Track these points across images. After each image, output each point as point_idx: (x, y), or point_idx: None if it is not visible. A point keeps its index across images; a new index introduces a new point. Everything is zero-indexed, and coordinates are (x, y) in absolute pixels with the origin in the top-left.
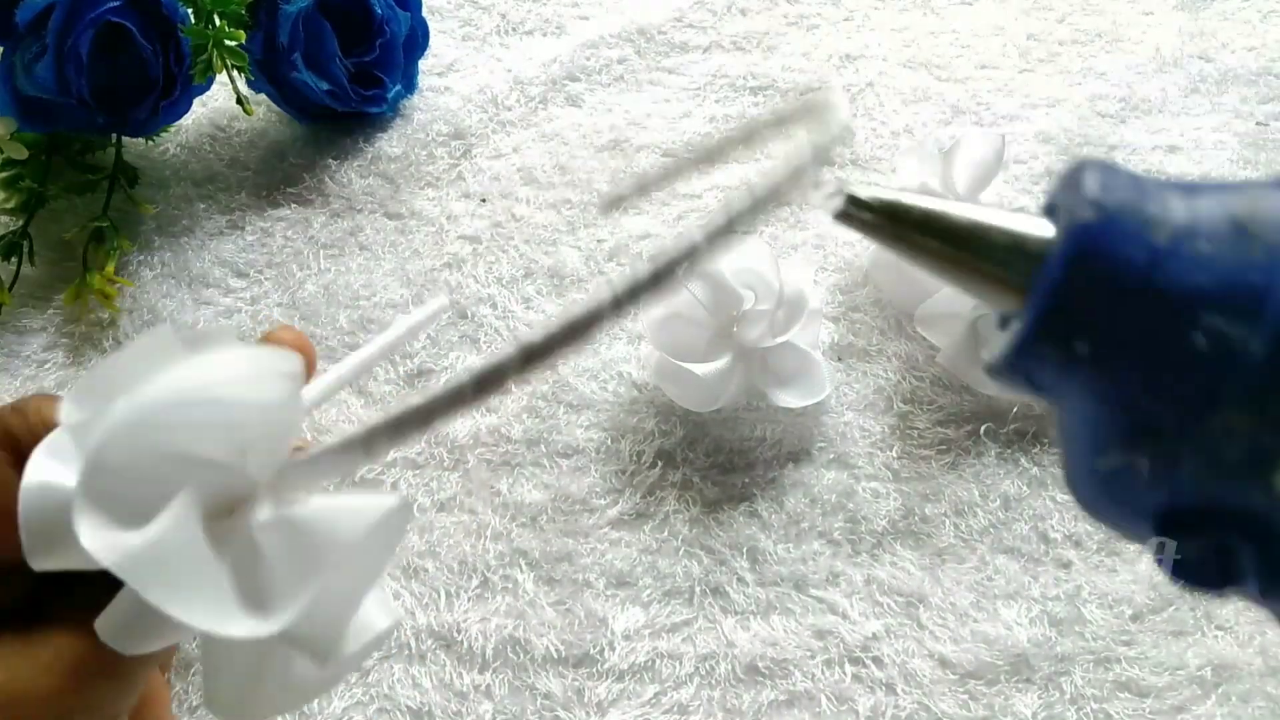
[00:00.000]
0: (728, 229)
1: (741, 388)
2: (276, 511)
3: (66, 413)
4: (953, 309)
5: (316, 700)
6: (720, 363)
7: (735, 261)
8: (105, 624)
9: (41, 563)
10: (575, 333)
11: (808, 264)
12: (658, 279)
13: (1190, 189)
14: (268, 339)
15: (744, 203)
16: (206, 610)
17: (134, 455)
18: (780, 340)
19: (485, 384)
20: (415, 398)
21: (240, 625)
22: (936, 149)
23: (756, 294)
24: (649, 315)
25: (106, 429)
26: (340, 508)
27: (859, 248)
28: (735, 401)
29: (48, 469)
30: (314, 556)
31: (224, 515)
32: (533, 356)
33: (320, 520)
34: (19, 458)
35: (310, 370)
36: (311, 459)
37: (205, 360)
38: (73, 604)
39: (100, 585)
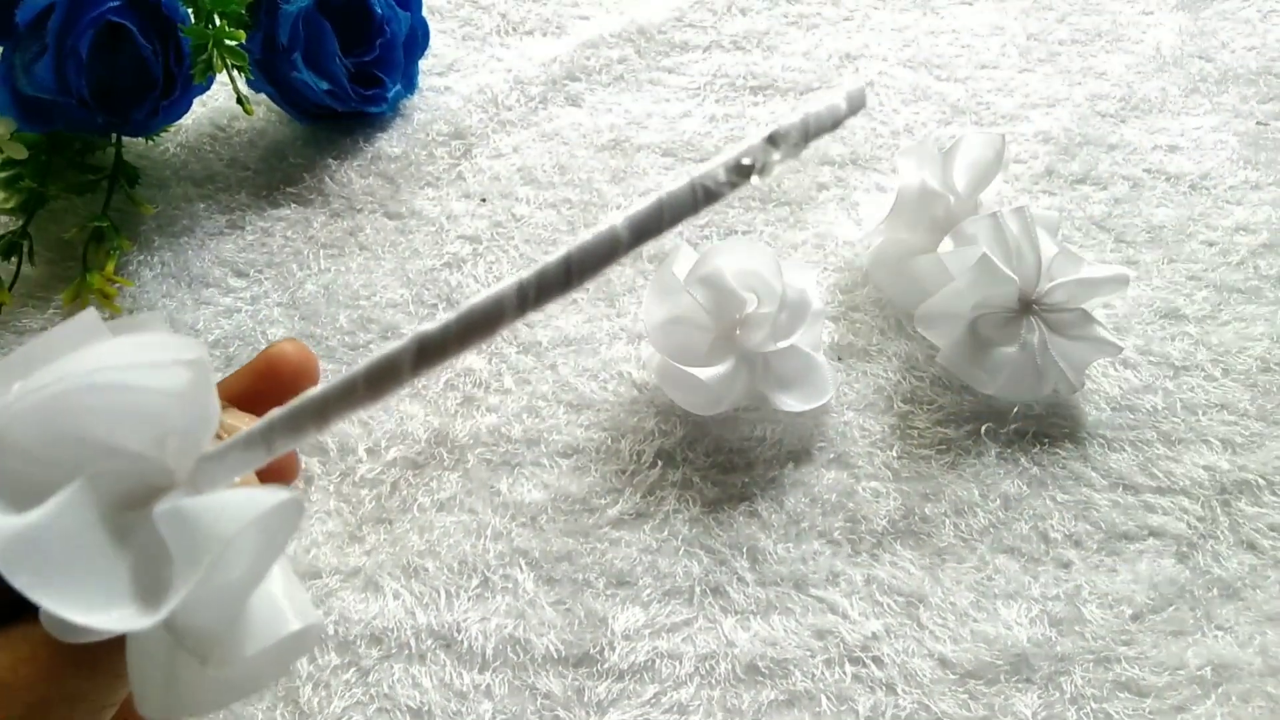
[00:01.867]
0: (648, 222)
1: (744, 392)
2: (173, 501)
3: None
4: (952, 309)
5: (317, 700)
6: (723, 367)
7: (737, 264)
8: (47, 614)
9: None
10: (473, 329)
11: (810, 266)
12: (569, 275)
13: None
14: (270, 352)
15: (677, 192)
16: (83, 601)
17: (38, 435)
18: (783, 345)
19: (377, 378)
20: (311, 391)
21: (118, 618)
22: (937, 149)
23: (759, 297)
24: (650, 318)
25: (7, 405)
26: (228, 500)
27: (859, 247)
28: (738, 404)
29: None
30: (199, 546)
31: (140, 505)
32: (427, 351)
33: (207, 511)
34: None
35: (314, 377)
36: (219, 452)
37: (115, 344)
38: None
39: None
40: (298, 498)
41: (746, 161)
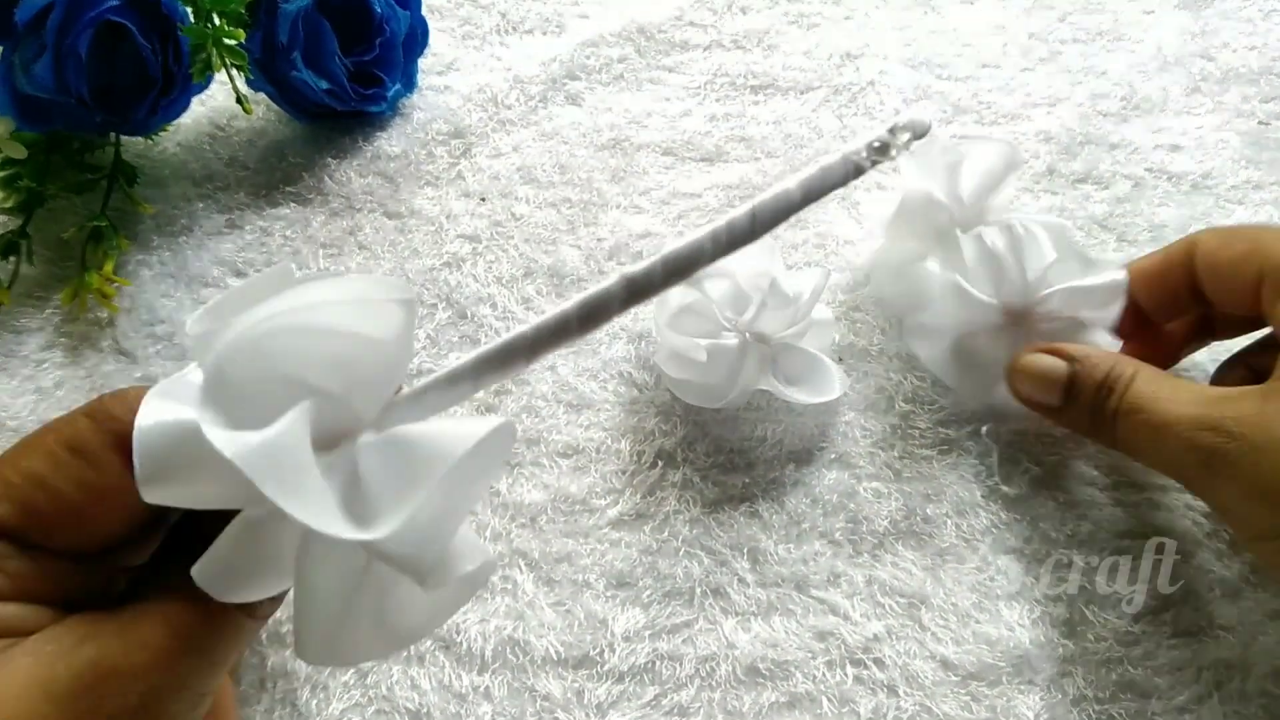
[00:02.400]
0: (812, 184)
1: (750, 381)
2: (378, 435)
3: (192, 325)
4: (937, 325)
5: (315, 702)
6: (730, 344)
7: (747, 264)
8: (202, 570)
9: (153, 494)
10: (678, 268)
11: (819, 270)
12: (754, 226)
13: None
14: None
15: (832, 164)
16: (315, 510)
17: (249, 370)
18: (791, 331)
19: (589, 315)
20: (522, 328)
21: (345, 529)
22: (942, 160)
23: (768, 300)
24: (660, 313)
25: (225, 342)
26: (443, 429)
27: (860, 247)
28: (741, 399)
29: (160, 408)
30: (416, 473)
31: (330, 447)
32: (635, 289)
33: (424, 439)
34: (88, 453)
35: None
36: (416, 393)
37: (321, 285)
38: (158, 591)
39: (185, 568)
40: (512, 424)
41: (877, 144)
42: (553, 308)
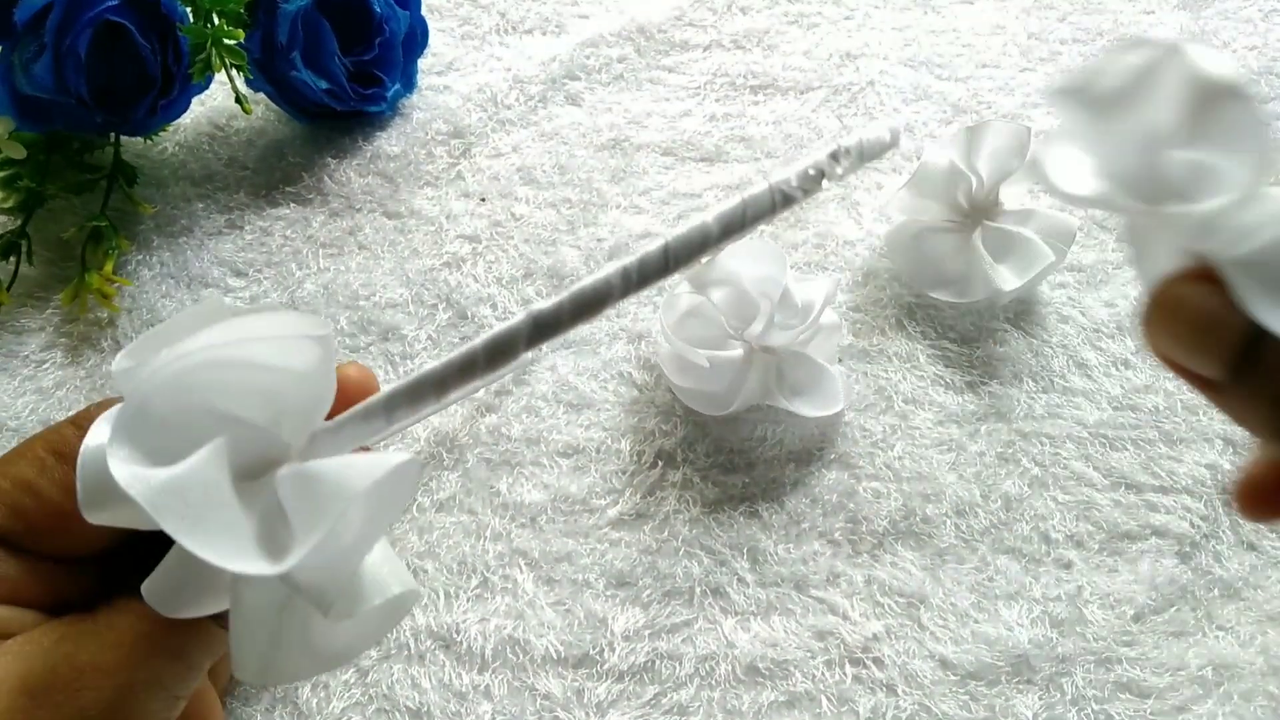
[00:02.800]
0: (732, 219)
1: (755, 391)
2: (296, 467)
3: (118, 362)
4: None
5: (316, 701)
6: (735, 354)
7: (752, 268)
8: (150, 588)
9: (94, 515)
10: (585, 306)
11: (831, 282)
12: (667, 262)
13: None
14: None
15: (758, 195)
16: (220, 547)
17: (173, 404)
18: (797, 342)
19: (494, 353)
20: (430, 365)
21: (250, 564)
22: (964, 136)
23: (774, 304)
24: (666, 317)
25: (146, 376)
26: (351, 463)
27: (860, 247)
28: (744, 407)
29: (103, 432)
30: (322, 505)
31: (256, 476)
32: (542, 327)
33: (331, 472)
34: (72, 458)
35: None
36: (337, 424)
37: (242, 322)
38: (134, 593)
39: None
40: (416, 461)
41: (813, 172)
42: (461, 346)
